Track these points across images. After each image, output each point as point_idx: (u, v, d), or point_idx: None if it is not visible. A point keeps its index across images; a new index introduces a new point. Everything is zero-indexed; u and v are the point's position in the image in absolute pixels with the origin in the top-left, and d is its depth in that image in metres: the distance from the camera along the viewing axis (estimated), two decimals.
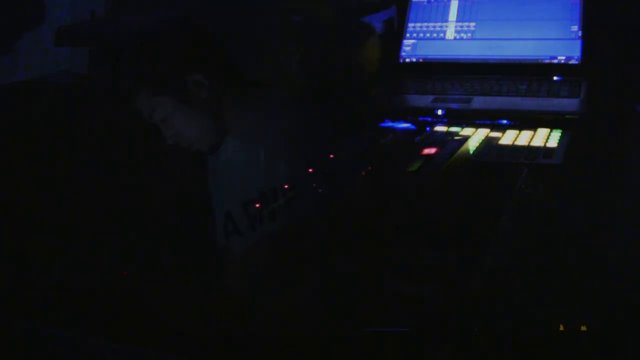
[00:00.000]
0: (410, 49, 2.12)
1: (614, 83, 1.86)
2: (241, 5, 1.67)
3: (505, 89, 1.94)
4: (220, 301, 1.20)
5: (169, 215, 1.55)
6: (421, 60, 2.11)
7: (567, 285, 1.39)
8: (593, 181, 1.64)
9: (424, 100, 1.97)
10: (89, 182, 1.59)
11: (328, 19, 1.97)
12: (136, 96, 1.44)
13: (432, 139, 1.57)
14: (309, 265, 1.17)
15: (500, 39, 2.01)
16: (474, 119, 1.87)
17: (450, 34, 2.08)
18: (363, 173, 1.40)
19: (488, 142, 1.74)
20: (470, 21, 2.06)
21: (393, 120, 1.85)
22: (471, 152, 1.52)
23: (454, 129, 1.84)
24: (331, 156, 1.47)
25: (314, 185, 1.44)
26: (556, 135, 1.74)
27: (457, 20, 2.08)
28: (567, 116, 1.81)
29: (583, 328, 1.23)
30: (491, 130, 1.81)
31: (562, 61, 1.95)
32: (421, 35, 2.12)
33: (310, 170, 1.45)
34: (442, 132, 1.82)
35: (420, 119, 1.90)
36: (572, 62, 1.94)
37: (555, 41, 1.96)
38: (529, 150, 1.68)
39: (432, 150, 1.37)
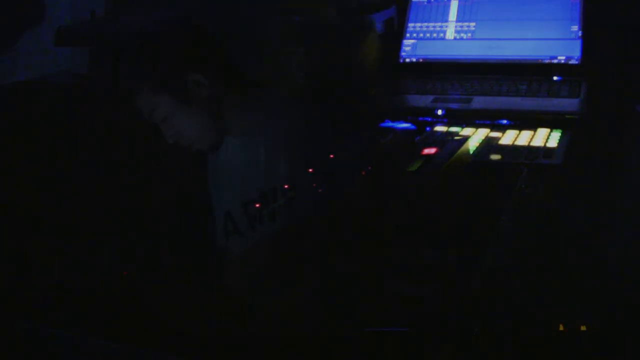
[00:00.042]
0: (410, 49, 2.12)
1: (614, 83, 1.86)
2: (241, 5, 1.67)
3: (505, 89, 1.94)
4: (220, 301, 1.20)
5: (169, 215, 1.55)
6: (421, 60, 2.11)
7: (567, 285, 1.39)
8: (593, 181, 1.63)
9: (424, 100, 1.97)
10: (89, 182, 1.59)
11: (328, 19, 1.97)
12: (136, 96, 1.44)
13: (432, 139, 1.58)
14: (309, 265, 1.17)
15: (500, 39, 2.01)
16: (474, 119, 1.87)
17: (450, 34, 2.08)
18: (363, 173, 1.39)
19: (488, 142, 1.74)
20: (470, 21, 2.06)
21: (393, 120, 1.85)
22: (471, 152, 1.52)
23: (454, 129, 1.84)
24: (331, 156, 1.47)
25: (314, 185, 1.44)
26: (556, 135, 1.74)
27: (457, 20, 2.08)
28: (567, 116, 1.81)
29: (583, 328, 1.23)
30: (491, 130, 1.81)
31: (562, 61, 1.95)
32: (421, 35, 2.12)
33: (310, 170, 1.45)
34: (442, 132, 1.82)
35: (420, 119, 1.90)
36: (572, 62, 1.94)
37: (555, 41, 1.96)
38: (529, 150, 1.68)
39: (432, 150, 1.37)
